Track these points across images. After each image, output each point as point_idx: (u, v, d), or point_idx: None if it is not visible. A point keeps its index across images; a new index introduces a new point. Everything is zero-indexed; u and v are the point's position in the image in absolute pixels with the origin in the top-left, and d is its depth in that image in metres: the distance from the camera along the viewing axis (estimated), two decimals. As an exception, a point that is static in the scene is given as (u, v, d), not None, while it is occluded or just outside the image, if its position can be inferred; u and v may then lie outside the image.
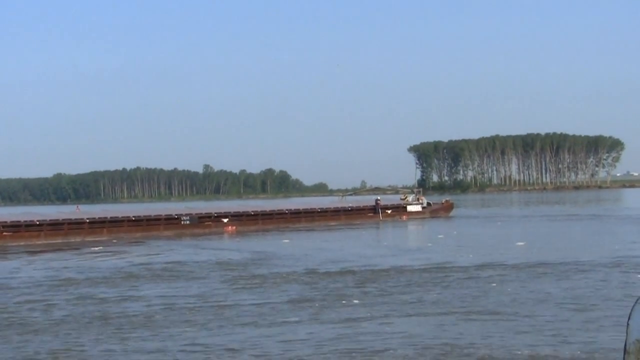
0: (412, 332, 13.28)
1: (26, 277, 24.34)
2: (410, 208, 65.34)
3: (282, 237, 43.27)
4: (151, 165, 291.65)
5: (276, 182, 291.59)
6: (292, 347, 12.39)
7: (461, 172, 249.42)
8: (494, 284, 19.22)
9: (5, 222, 44.65)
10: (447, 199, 75.13)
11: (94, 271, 25.62)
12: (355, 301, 16.94)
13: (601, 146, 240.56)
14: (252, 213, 55.76)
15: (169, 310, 16.52)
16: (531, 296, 17.10)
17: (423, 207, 66.15)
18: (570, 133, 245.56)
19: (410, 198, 68.11)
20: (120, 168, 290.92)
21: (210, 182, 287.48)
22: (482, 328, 13.50)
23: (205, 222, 52.13)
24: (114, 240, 44.06)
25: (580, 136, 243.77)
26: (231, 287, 20.11)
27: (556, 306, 15.64)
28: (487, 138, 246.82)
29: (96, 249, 36.84)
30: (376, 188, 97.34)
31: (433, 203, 69.18)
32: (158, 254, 32.55)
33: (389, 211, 63.41)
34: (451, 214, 67.01)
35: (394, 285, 19.63)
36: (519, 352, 11.41)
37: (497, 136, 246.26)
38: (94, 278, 23.37)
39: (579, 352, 11.38)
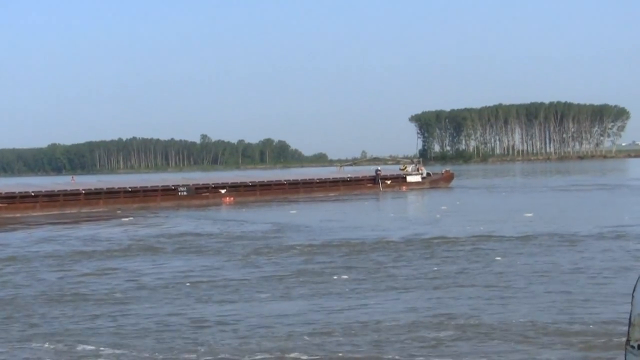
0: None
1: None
2: (409, 178, 65.51)
3: (286, 208, 43.64)
4: (148, 135, 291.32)
5: (275, 152, 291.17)
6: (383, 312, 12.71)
7: (463, 142, 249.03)
8: (521, 254, 19.45)
9: (0, 193, 44.87)
10: (448, 169, 75.17)
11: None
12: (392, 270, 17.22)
13: (606, 115, 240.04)
14: (250, 184, 55.99)
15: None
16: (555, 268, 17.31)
17: (423, 178, 66.28)
18: (575, 102, 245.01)
19: (409, 168, 68.23)
20: (116, 138, 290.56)
21: (208, 153, 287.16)
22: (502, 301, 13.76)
23: (202, 193, 52.39)
24: (118, 211, 44.51)
25: (585, 105, 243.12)
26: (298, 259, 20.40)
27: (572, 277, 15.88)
28: (489, 107, 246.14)
29: (126, 219, 37.50)
30: (375, 158, 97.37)
31: (433, 173, 69.30)
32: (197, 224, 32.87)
33: (389, 182, 63.57)
34: (451, 184, 67.20)
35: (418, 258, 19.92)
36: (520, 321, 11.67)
37: (500, 105, 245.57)
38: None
39: (578, 325, 11.60)
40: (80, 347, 11.30)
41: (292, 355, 10.49)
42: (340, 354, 10.46)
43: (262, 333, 11.79)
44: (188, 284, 16.50)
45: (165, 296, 15.31)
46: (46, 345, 11.49)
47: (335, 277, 16.87)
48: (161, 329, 12.33)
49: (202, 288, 16.05)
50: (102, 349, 11.18)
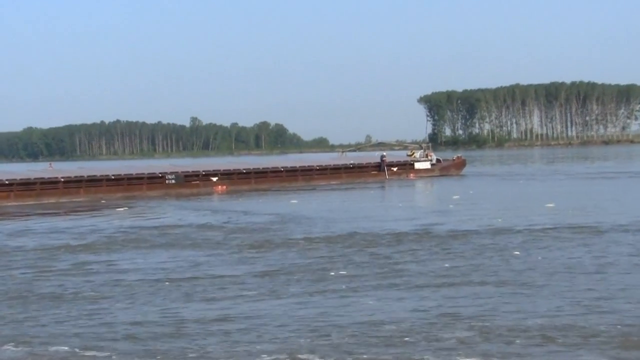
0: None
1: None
2: (417, 165, 65.36)
3: (285, 197, 43.66)
4: (132, 118, 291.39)
5: (271, 136, 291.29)
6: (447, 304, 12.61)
7: (477, 125, 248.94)
8: (542, 248, 19.40)
9: (-30, 181, 44.81)
10: (459, 155, 74.94)
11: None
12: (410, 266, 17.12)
13: (633, 96, 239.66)
14: (245, 171, 55.91)
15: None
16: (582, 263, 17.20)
17: (432, 164, 66.14)
18: (599, 82, 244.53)
19: (417, 154, 68.08)
20: (98, 121, 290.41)
21: (198, 137, 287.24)
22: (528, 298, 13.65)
23: (192, 181, 52.37)
24: (103, 201, 44.48)
25: (610, 85, 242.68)
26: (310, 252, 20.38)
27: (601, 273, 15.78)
28: (506, 87, 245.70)
29: (120, 209, 37.52)
30: (380, 143, 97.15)
31: (443, 160, 69.14)
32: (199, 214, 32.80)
33: (395, 169, 63.44)
34: (463, 171, 67.07)
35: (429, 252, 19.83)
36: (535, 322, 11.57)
37: (517, 85, 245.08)
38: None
39: (604, 326, 11.50)
40: (53, 349, 11.29)
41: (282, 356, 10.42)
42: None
43: (252, 337, 11.67)
44: (167, 282, 16.37)
45: (146, 294, 15.20)
46: (16, 347, 11.42)
47: (332, 274, 16.76)
48: (138, 331, 12.22)
49: (188, 285, 15.94)
50: (77, 350, 11.13)
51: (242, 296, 14.68)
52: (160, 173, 52.31)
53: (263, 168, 57.64)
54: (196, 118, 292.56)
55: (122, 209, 37.58)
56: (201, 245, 22.50)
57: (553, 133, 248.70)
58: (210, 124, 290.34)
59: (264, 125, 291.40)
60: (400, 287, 15.16)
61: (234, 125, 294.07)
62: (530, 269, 16.68)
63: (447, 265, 17.63)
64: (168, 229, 27.41)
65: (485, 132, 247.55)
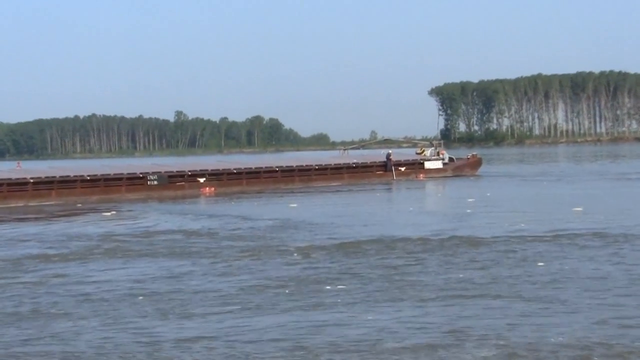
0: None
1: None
2: (428, 165, 65.43)
3: (282, 200, 43.79)
4: (110, 112, 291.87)
5: (265, 132, 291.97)
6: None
7: (495, 120, 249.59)
8: (569, 259, 19.38)
9: None
10: (475, 153, 75.00)
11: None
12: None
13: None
14: (235, 171, 56.03)
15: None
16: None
17: (444, 164, 66.27)
18: (632, 71, 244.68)
19: (428, 152, 68.18)
20: (72, 115, 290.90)
21: (184, 133, 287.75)
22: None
23: (177, 182, 52.52)
24: (79, 204, 44.44)
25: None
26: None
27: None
28: (527, 78, 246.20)
29: (108, 214, 37.59)
30: (387, 140, 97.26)
31: (457, 158, 69.22)
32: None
33: (403, 168, 63.51)
34: (479, 171, 67.16)
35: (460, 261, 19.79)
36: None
37: (539, 75, 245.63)
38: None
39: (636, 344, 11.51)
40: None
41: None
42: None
43: (235, 358, 11.62)
44: (141, 297, 16.26)
45: (118, 310, 15.15)
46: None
47: (328, 287, 16.70)
48: (107, 352, 12.15)
49: (165, 300, 15.90)
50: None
51: (226, 312, 14.61)
52: (141, 173, 52.33)
53: (256, 168, 57.68)
54: (181, 112, 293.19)
55: (109, 213, 37.55)
56: (185, 254, 22.45)
57: (580, 129, 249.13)
58: (197, 118, 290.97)
59: (257, 120, 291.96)
60: (408, 300, 15.10)
61: (224, 120, 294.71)
62: (555, 281, 16.62)
63: (461, 275, 17.59)
64: (149, 235, 27.38)
65: (504, 127, 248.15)
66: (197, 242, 25.05)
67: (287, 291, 16.44)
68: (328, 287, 16.72)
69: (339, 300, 15.24)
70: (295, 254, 21.68)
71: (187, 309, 14.95)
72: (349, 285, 16.92)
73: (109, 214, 37.66)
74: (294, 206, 38.90)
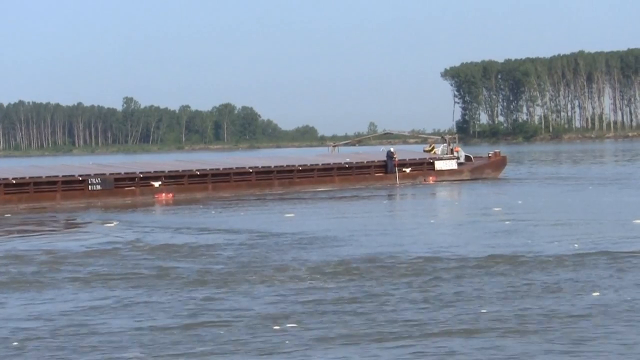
0: None
1: None
2: (439, 165, 65.21)
3: (261, 208, 43.97)
4: (41, 99, 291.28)
5: (237, 125, 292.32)
6: None
7: (524, 109, 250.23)
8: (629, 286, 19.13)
9: None
10: (497, 150, 74.90)
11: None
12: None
13: None
14: (199, 173, 55.79)
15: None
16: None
17: (460, 164, 66.09)
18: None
19: (439, 150, 68.01)
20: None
21: (134, 125, 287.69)
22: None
23: (125, 187, 52.31)
24: (7, 215, 44.07)
25: None
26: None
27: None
28: (565, 56, 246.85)
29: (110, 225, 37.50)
30: (388, 134, 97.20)
31: (475, 157, 69.12)
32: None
33: (408, 169, 63.31)
34: (502, 173, 67.10)
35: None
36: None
37: (581, 53, 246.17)
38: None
39: None
40: None
41: None
42: None
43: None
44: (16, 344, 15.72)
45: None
46: None
47: (288, 325, 16.30)
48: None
49: (77, 338, 15.48)
50: None
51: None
52: (80, 176, 51.98)
53: (224, 169, 57.44)
54: (131, 99, 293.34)
55: (112, 225, 37.17)
56: (122, 279, 21.97)
57: (631, 120, 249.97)
58: (152, 107, 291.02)
59: (226, 108, 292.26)
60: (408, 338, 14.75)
61: (185, 108, 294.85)
62: (607, 314, 16.28)
63: (484, 310, 17.21)
64: (78, 257, 26.77)
65: (537, 118, 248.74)
66: (140, 263, 24.59)
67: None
68: (288, 325, 16.40)
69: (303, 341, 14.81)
70: (270, 279, 21.32)
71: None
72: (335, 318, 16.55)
73: (111, 226, 37.09)
74: (291, 215, 38.77)
